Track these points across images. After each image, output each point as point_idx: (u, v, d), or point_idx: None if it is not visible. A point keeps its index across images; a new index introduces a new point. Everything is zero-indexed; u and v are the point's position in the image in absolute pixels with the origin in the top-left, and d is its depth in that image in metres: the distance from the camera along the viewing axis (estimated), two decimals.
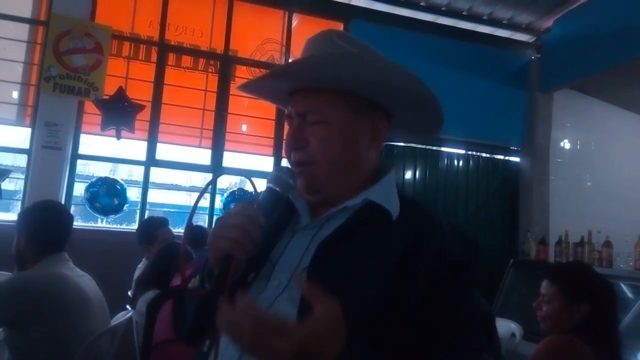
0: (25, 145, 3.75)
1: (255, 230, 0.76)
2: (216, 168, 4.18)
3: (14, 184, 4.10)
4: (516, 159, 5.09)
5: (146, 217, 3.77)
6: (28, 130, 3.76)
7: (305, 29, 4.63)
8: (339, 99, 0.86)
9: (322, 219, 0.86)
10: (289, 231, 0.88)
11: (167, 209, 4.35)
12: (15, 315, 1.71)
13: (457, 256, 0.79)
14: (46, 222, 1.91)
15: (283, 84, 0.91)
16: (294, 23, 4.56)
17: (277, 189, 0.83)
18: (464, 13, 4.76)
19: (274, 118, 4.39)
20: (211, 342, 0.77)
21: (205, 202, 4.32)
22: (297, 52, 4.54)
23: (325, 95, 0.86)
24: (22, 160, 3.82)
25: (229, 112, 4.26)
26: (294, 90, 0.90)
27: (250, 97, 4.33)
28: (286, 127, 0.92)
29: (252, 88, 0.99)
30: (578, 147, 5.17)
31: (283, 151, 4.42)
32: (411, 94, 0.93)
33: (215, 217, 4.16)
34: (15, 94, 3.89)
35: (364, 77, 0.85)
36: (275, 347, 0.57)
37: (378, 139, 0.91)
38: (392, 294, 0.74)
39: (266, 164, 4.36)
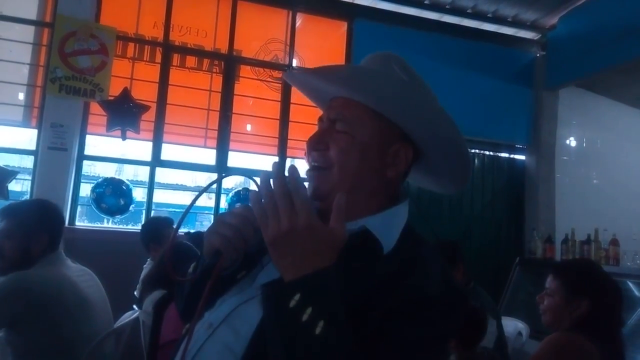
0: (32, 146, 3.77)
1: (248, 232, 0.79)
2: (221, 168, 4.19)
3: (21, 185, 4.12)
4: (522, 157, 5.06)
5: (150, 217, 3.78)
6: (34, 132, 3.79)
7: (310, 28, 4.63)
8: (372, 118, 0.87)
9: None
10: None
11: (173, 209, 4.36)
12: (13, 317, 1.70)
13: (431, 294, 0.73)
14: (58, 220, 1.93)
15: (327, 87, 0.92)
16: (298, 22, 4.56)
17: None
18: (468, 11, 4.75)
19: (278, 118, 4.39)
20: (190, 327, 0.77)
21: (210, 202, 4.34)
22: (301, 51, 4.54)
23: (360, 109, 0.87)
24: (28, 162, 3.85)
25: (233, 112, 4.26)
26: (335, 97, 0.91)
27: (254, 97, 4.36)
28: (313, 128, 0.94)
29: (299, 81, 1.00)
30: (584, 144, 5.14)
31: (287, 151, 4.44)
32: (444, 137, 0.91)
33: None
34: (21, 96, 3.91)
35: (403, 106, 0.86)
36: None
37: (398, 167, 0.89)
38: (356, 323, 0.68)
39: (271, 163, 4.35)
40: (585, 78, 4.62)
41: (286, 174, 0.72)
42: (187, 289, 0.94)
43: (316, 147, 0.87)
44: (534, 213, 4.83)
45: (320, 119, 0.92)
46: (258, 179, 0.76)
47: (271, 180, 0.72)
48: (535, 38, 5.07)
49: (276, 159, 4.37)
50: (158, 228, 2.99)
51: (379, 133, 0.87)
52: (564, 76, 4.75)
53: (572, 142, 5.11)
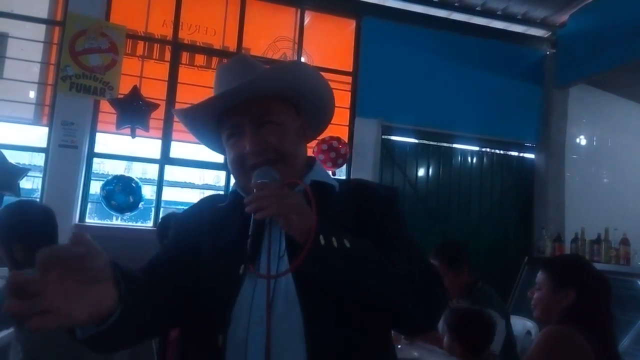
0: (43, 144, 3.81)
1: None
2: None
3: (32, 182, 4.16)
4: (531, 156, 5.03)
5: (168, 213, 3.76)
6: (45, 130, 3.82)
7: (318, 26, 4.63)
8: (282, 105, 1.06)
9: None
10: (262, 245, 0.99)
11: (182, 207, 4.38)
12: None
13: (385, 196, 1.07)
14: (39, 225, 1.84)
15: (224, 103, 1.03)
16: (307, 20, 4.56)
17: (267, 181, 0.95)
18: (477, 8, 4.72)
19: None
20: (224, 337, 0.91)
21: None
22: (309, 49, 4.54)
23: (271, 101, 1.04)
24: (39, 159, 3.89)
25: None
26: (231, 107, 1.03)
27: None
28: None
29: (189, 114, 1.09)
30: (594, 143, 5.10)
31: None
32: (320, 97, 1.12)
33: None
34: (32, 94, 3.95)
35: (295, 85, 1.04)
36: (289, 199, 0.87)
37: (305, 137, 1.13)
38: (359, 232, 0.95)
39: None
40: (596, 76, 4.57)
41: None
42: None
43: (262, 146, 1.00)
44: (543, 212, 4.80)
45: (236, 127, 1.03)
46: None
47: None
48: (546, 36, 5.03)
49: None
50: (170, 223, 2.99)
51: (290, 114, 1.07)
52: (574, 74, 4.71)
53: (582, 140, 5.06)
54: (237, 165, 1.03)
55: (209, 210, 1.11)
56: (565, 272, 1.78)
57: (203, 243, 1.02)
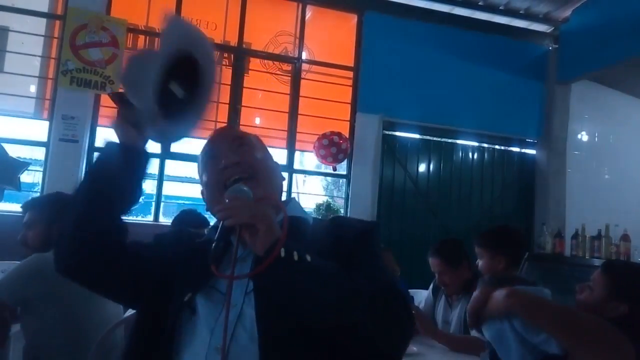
0: (43, 138, 3.81)
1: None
2: None
3: (32, 176, 4.16)
4: (532, 152, 5.02)
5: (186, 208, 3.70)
6: (46, 124, 3.82)
7: (319, 21, 4.61)
8: (259, 140, 1.17)
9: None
10: (227, 255, 1.01)
11: (182, 202, 4.39)
12: (30, 295, 1.76)
13: (360, 229, 1.04)
14: (59, 212, 1.99)
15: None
16: (308, 15, 4.55)
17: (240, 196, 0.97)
18: (480, 3, 4.70)
19: (287, 111, 4.39)
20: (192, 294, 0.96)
21: None
22: (310, 44, 4.53)
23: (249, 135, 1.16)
24: (40, 153, 3.89)
25: (242, 105, 4.27)
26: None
27: (263, 90, 4.36)
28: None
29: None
30: (596, 139, 5.09)
31: (296, 144, 4.45)
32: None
33: None
34: (33, 88, 3.95)
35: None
36: (260, 211, 0.89)
37: (281, 176, 1.17)
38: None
39: (280, 156, 4.37)
40: (598, 72, 4.55)
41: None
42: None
43: (238, 163, 1.05)
44: (544, 208, 4.80)
45: (216, 148, 1.09)
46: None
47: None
48: (548, 31, 5.01)
49: (285, 152, 4.38)
50: (188, 220, 2.95)
51: (267, 152, 1.14)
52: (577, 69, 4.69)
53: (583, 136, 5.05)
54: (212, 187, 1.05)
55: (187, 241, 1.12)
56: (626, 283, 1.64)
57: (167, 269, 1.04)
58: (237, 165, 1.03)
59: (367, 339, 0.87)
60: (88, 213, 1.00)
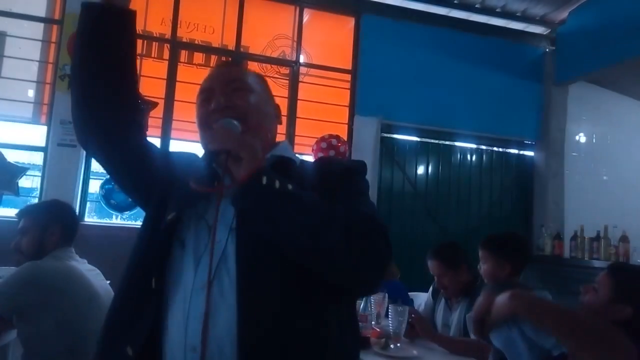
0: (42, 143, 3.81)
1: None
2: None
3: (31, 181, 4.16)
4: (530, 153, 5.03)
5: None
6: (44, 128, 3.82)
7: (317, 24, 4.62)
8: (258, 79, 1.15)
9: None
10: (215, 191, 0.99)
11: None
12: (24, 305, 1.75)
13: (346, 166, 1.08)
14: (73, 217, 2.04)
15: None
16: (305, 18, 4.55)
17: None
18: (477, 6, 4.71)
19: (285, 114, 4.39)
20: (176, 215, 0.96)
21: None
22: (308, 47, 4.54)
23: (247, 73, 1.14)
24: (38, 158, 3.88)
25: None
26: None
27: None
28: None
29: None
30: (594, 140, 5.10)
31: (295, 147, 4.44)
32: None
33: None
34: (31, 93, 3.94)
35: None
36: (246, 140, 0.91)
37: (278, 119, 1.18)
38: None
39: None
40: (595, 73, 4.57)
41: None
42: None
43: (228, 107, 1.03)
44: (543, 209, 4.80)
45: (209, 89, 1.06)
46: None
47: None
48: (545, 33, 5.02)
49: None
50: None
51: (267, 92, 1.14)
52: (574, 71, 4.70)
53: (581, 138, 5.06)
54: (202, 125, 1.05)
55: (190, 165, 1.10)
56: (631, 286, 1.62)
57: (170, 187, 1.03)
58: (227, 109, 1.02)
59: (342, 266, 0.87)
60: (88, 76, 1.02)
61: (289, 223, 0.86)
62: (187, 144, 4.19)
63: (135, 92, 1.08)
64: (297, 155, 1.16)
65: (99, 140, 1.04)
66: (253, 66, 4.41)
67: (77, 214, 3.78)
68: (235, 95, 1.04)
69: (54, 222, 1.94)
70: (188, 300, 0.88)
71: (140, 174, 1.06)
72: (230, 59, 1.10)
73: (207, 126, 1.03)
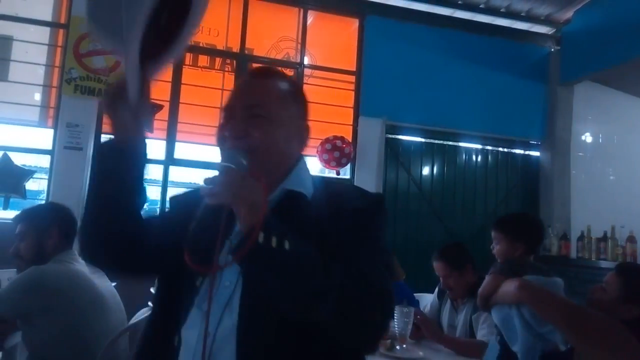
0: (48, 146, 3.83)
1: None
2: None
3: (37, 184, 4.19)
4: (536, 154, 5.01)
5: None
6: (50, 132, 3.84)
7: (321, 26, 4.63)
8: (284, 99, 1.05)
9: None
10: (214, 232, 0.95)
11: None
12: (30, 309, 1.75)
13: (357, 208, 0.96)
14: (70, 219, 2.00)
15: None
16: (310, 20, 4.56)
17: (233, 166, 0.91)
18: (481, 6, 4.70)
19: None
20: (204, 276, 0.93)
21: None
22: (312, 49, 4.54)
23: (271, 92, 1.04)
24: (45, 161, 3.91)
25: None
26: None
27: None
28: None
29: None
30: (600, 140, 5.07)
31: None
32: None
33: None
34: (37, 96, 3.97)
35: None
36: (245, 190, 0.84)
37: (304, 141, 1.08)
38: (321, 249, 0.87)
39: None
40: (601, 73, 4.54)
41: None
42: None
43: (242, 137, 0.97)
44: (549, 210, 4.77)
45: (232, 107, 1.01)
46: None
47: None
48: (550, 32, 5.00)
49: None
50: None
51: (292, 114, 1.03)
52: (579, 71, 4.68)
53: (587, 137, 5.04)
54: (218, 144, 1.02)
55: (188, 203, 1.08)
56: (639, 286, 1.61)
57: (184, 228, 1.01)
58: (238, 139, 0.96)
59: (334, 336, 0.86)
60: (99, 214, 1.00)
61: (281, 288, 0.84)
62: (192, 146, 4.21)
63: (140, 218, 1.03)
64: (309, 182, 1.05)
65: (108, 262, 1.06)
66: None
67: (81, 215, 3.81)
68: (253, 122, 0.97)
69: (51, 225, 1.93)
70: (192, 349, 0.90)
71: (152, 260, 1.02)
72: (261, 67, 0.97)
73: (219, 144, 1.01)
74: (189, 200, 1.05)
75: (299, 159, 1.06)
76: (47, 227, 1.92)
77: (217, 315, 0.88)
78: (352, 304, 0.84)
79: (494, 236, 2.30)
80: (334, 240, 0.90)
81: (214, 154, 4.22)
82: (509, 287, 1.51)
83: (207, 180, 0.86)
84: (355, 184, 4.43)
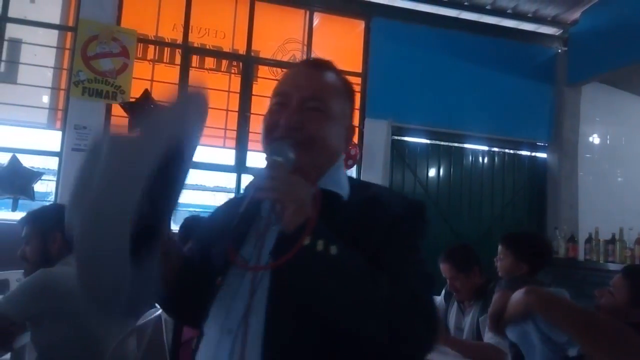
0: (56, 148, 3.86)
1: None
2: (240, 168, 4.22)
3: (46, 185, 4.22)
4: (543, 155, 4.98)
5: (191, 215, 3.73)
6: (59, 134, 3.87)
7: (327, 27, 4.63)
8: (339, 96, 1.02)
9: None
10: (255, 228, 0.94)
11: (193, 209, 4.41)
12: (39, 312, 1.75)
13: (398, 213, 0.90)
14: (53, 223, 1.95)
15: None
16: (315, 22, 4.57)
17: (281, 159, 0.87)
18: (487, 7, 4.69)
19: None
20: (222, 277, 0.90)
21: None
22: (318, 51, 4.55)
23: (330, 87, 1.01)
24: (53, 163, 3.94)
25: (251, 112, 4.29)
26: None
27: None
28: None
29: None
30: (608, 142, 5.04)
31: None
32: None
33: None
34: (45, 99, 4.01)
35: None
36: (293, 187, 0.81)
37: (350, 140, 1.07)
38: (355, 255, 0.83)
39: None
40: (609, 74, 4.52)
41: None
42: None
43: (297, 128, 0.93)
44: (556, 212, 4.75)
45: (287, 95, 0.96)
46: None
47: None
48: (557, 34, 4.98)
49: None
50: (198, 225, 2.96)
51: (345, 112, 1.01)
52: (587, 72, 4.66)
53: (595, 139, 5.00)
54: (265, 132, 0.96)
55: (231, 206, 1.07)
56: None
57: (212, 240, 1.00)
58: (293, 130, 0.92)
59: (379, 350, 0.80)
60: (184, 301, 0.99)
61: (325, 298, 0.79)
62: (198, 148, 4.21)
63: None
64: (345, 182, 0.99)
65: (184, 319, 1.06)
66: (264, 70, 4.43)
67: None
68: (309, 115, 0.93)
69: (53, 229, 1.91)
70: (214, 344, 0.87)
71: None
72: (319, 58, 0.94)
73: (268, 135, 0.95)
74: (223, 214, 1.05)
75: (333, 165, 1.00)
76: (50, 231, 1.92)
77: (240, 313, 0.86)
78: (399, 318, 0.79)
79: (500, 250, 2.30)
80: (371, 248, 0.85)
81: (220, 156, 4.24)
82: (517, 296, 1.50)
83: (255, 172, 0.83)
84: None
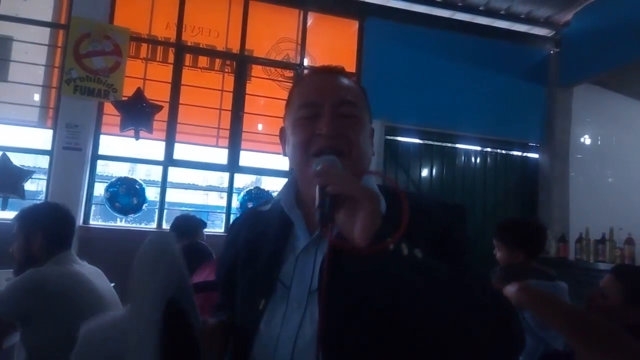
0: (47, 146, 3.83)
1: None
2: (233, 167, 4.21)
3: (36, 184, 4.18)
4: (535, 156, 5.01)
5: (184, 214, 3.69)
6: (49, 132, 3.84)
7: (321, 27, 4.63)
8: (364, 102, 1.01)
9: (318, 234, 0.89)
10: (290, 249, 0.91)
11: (185, 208, 4.40)
12: (28, 312, 1.74)
13: (442, 222, 0.87)
14: (59, 221, 1.97)
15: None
16: (309, 22, 4.57)
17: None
18: (480, 8, 4.71)
19: None
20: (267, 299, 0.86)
21: (222, 201, 4.37)
22: (312, 50, 4.55)
23: (357, 93, 1.00)
24: (44, 161, 3.90)
25: (245, 111, 4.29)
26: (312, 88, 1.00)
27: (266, 97, 4.37)
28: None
29: None
30: (599, 142, 5.08)
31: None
32: None
33: (232, 216, 4.19)
34: (37, 97, 3.97)
35: None
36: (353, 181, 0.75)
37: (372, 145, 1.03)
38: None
39: (282, 162, 4.38)
40: (600, 75, 4.55)
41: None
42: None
43: (339, 135, 0.90)
44: (548, 212, 4.78)
45: (317, 105, 0.91)
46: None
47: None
48: (549, 35, 5.01)
49: (287, 158, 4.37)
50: (188, 224, 2.96)
51: (369, 117, 0.99)
52: (579, 73, 4.69)
53: (586, 140, 5.04)
54: (302, 148, 0.91)
55: (252, 217, 1.04)
56: None
57: (240, 258, 0.96)
58: (335, 137, 0.88)
59: (478, 355, 0.74)
60: None
61: (420, 306, 0.71)
62: (191, 147, 4.21)
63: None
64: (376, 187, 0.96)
65: None
66: (257, 70, 4.42)
67: (80, 215, 3.81)
68: (345, 122, 0.90)
69: (36, 228, 1.90)
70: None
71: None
72: (331, 65, 0.91)
73: (306, 149, 0.90)
74: (240, 231, 1.01)
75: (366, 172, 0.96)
76: (32, 230, 1.90)
77: (297, 321, 0.82)
78: (495, 317, 0.74)
79: (494, 243, 2.31)
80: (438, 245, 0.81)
81: (213, 155, 4.23)
82: (509, 291, 1.50)
83: (318, 171, 0.77)
84: None
